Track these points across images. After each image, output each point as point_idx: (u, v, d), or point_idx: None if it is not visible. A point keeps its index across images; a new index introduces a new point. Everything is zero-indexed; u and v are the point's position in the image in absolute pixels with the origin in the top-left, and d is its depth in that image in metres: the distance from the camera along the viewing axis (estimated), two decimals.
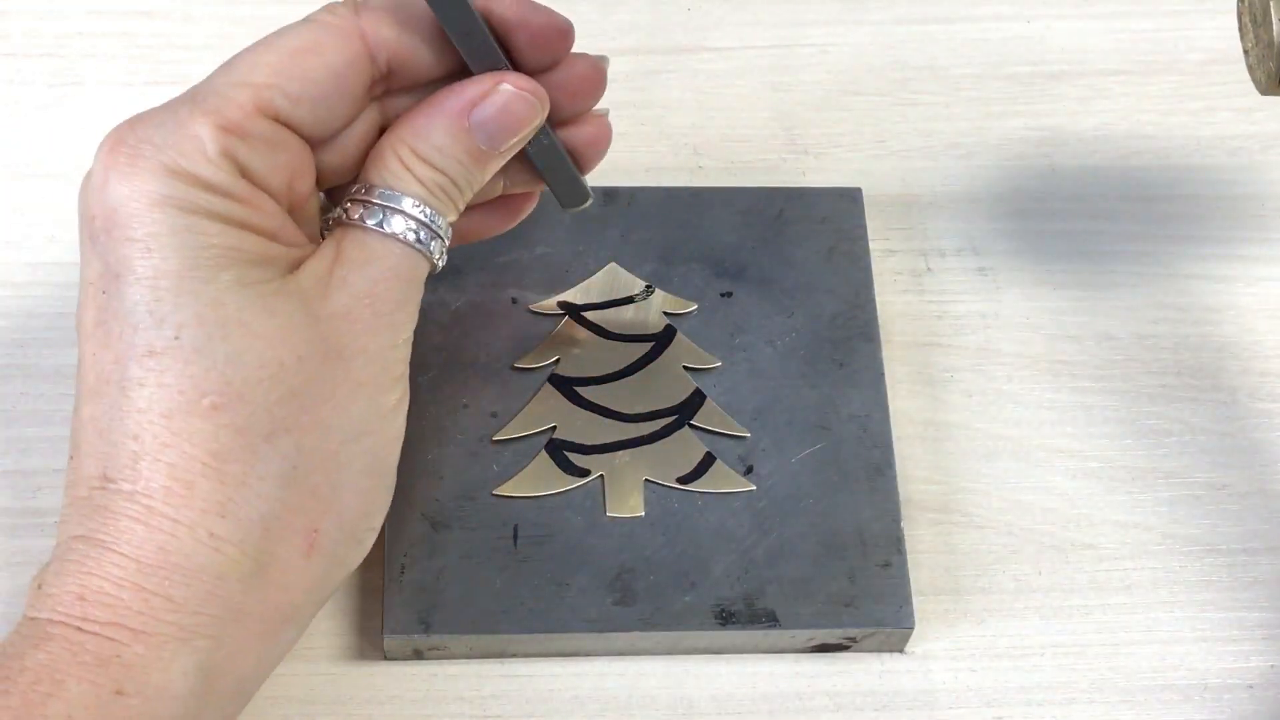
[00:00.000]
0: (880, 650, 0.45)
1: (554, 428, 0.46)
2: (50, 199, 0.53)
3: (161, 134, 0.38)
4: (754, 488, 0.46)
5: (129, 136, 0.38)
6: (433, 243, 0.40)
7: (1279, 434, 0.50)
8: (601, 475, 0.46)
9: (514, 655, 0.44)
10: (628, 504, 0.45)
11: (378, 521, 0.41)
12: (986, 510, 0.48)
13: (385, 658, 0.44)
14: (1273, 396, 0.50)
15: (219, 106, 0.38)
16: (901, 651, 0.45)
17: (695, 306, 0.49)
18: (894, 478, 0.46)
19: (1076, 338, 0.51)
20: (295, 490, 0.38)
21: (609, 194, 0.51)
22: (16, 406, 0.48)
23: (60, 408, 0.48)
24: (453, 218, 0.41)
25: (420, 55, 0.40)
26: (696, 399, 0.47)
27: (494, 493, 0.45)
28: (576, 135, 0.44)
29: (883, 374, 0.48)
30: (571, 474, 0.46)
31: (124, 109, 0.54)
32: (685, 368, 0.48)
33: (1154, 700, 0.45)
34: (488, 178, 0.42)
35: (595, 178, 0.53)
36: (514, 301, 0.48)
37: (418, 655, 0.44)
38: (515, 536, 0.44)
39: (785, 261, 0.50)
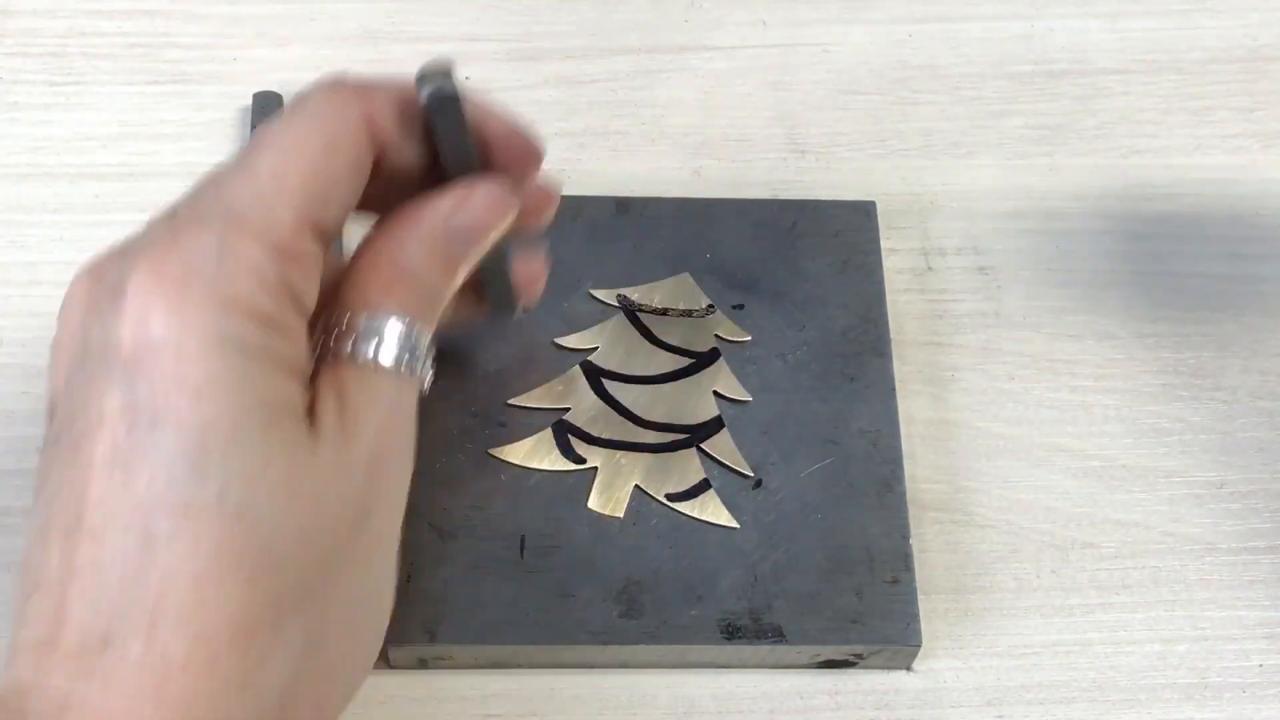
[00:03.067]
0: (886, 667, 0.45)
1: (567, 409, 0.46)
2: (50, 199, 0.53)
3: (210, 261, 0.34)
4: (738, 526, 0.45)
5: (169, 262, 0.34)
6: (420, 366, 0.38)
7: (1279, 433, 0.50)
8: (595, 467, 0.46)
9: (519, 666, 0.44)
10: (610, 502, 0.45)
11: (366, 674, 0.39)
12: (987, 509, 0.48)
13: (390, 666, 0.44)
14: (1273, 395, 0.50)
15: (267, 228, 0.35)
16: (908, 669, 0.45)
17: (750, 338, 0.49)
18: (903, 494, 0.46)
19: (1077, 336, 0.51)
20: (313, 661, 0.35)
21: (621, 204, 0.51)
22: (17, 406, 0.48)
23: None
24: (429, 335, 0.39)
25: (407, 150, 0.38)
26: (714, 425, 0.47)
27: (488, 450, 0.45)
28: (517, 268, 0.43)
29: (894, 389, 0.48)
30: (568, 458, 0.46)
31: (123, 108, 0.55)
32: (716, 393, 0.48)
33: (1155, 699, 0.45)
34: (456, 288, 0.40)
35: (600, 184, 0.54)
36: (524, 311, 0.48)
37: (423, 665, 0.44)
38: (522, 547, 0.44)
39: (798, 274, 0.50)
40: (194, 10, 0.57)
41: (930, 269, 0.53)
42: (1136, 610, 0.46)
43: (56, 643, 0.33)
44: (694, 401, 0.47)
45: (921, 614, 0.44)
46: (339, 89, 0.37)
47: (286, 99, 0.55)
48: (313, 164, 0.36)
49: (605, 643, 0.43)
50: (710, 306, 0.49)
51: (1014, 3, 0.59)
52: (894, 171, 0.55)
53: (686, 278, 0.50)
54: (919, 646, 0.44)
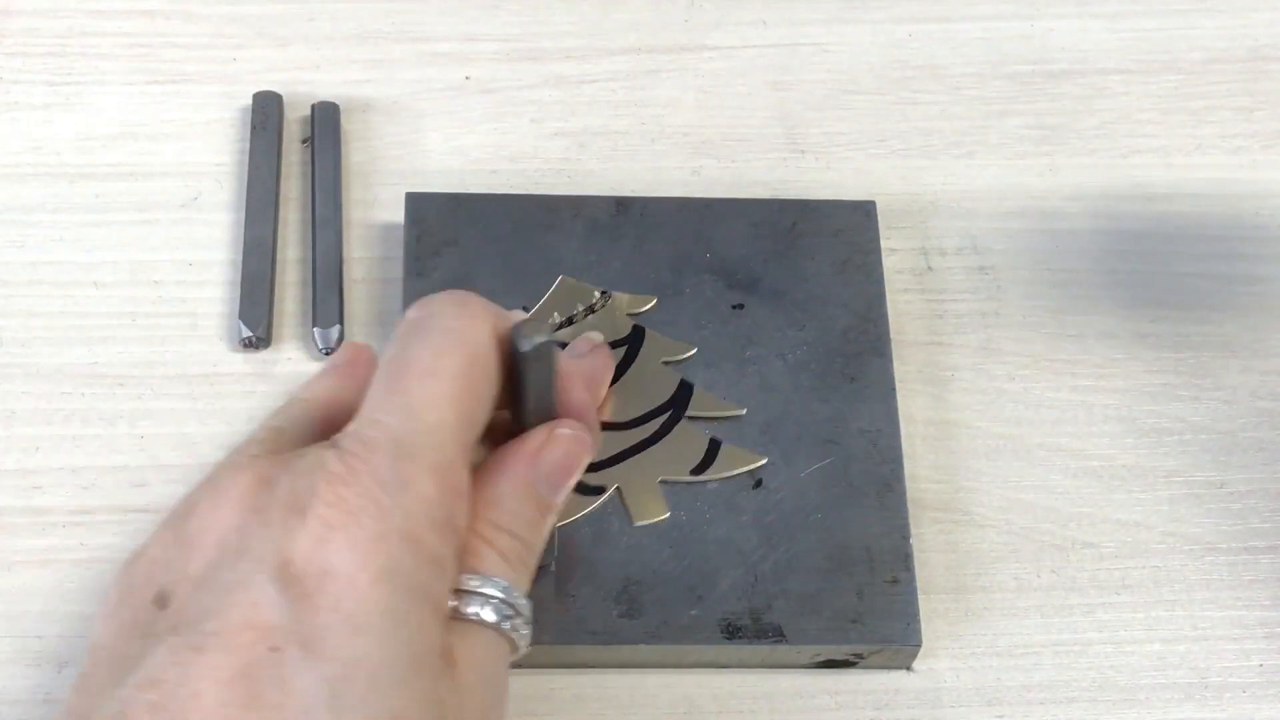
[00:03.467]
0: (886, 667, 0.45)
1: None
2: (51, 199, 0.53)
3: (390, 495, 0.33)
4: (767, 459, 0.46)
5: (353, 491, 0.33)
6: (519, 624, 0.37)
7: (1279, 433, 0.50)
8: (617, 487, 0.46)
9: (519, 666, 0.44)
10: (650, 509, 0.45)
11: None
12: (987, 509, 0.48)
13: None
14: (1273, 395, 0.50)
15: (437, 463, 0.34)
16: (908, 669, 0.45)
17: (655, 300, 0.49)
18: (903, 493, 0.46)
19: (1077, 336, 0.51)
20: None
21: (621, 204, 0.51)
22: (18, 406, 0.48)
23: (61, 406, 0.48)
24: (527, 588, 0.38)
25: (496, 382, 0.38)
26: (684, 391, 0.47)
27: None
28: None
29: (894, 389, 0.48)
30: (588, 494, 0.45)
31: (123, 108, 0.55)
32: (664, 362, 0.48)
33: (1155, 699, 0.45)
34: (548, 535, 0.39)
35: (600, 184, 0.54)
36: (525, 309, 0.48)
37: None
38: None
39: (797, 274, 0.50)
40: (194, 10, 0.57)
41: (930, 269, 0.53)
42: (1137, 610, 0.46)
43: None
44: (653, 380, 0.47)
45: (921, 614, 0.44)
46: (469, 303, 0.37)
47: (286, 99, 0.55)
48: (461, 387, 0.36)
49: (606, 643, 0.43)
50: (604, 292, 0.49)
51: (1014, 3, 0.59)
52: (894, 171, 0.55)
53: (566, 279, 0.49)
54: (919, 646, 0.44)
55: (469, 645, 0.35)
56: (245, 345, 0.49)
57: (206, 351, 0.49)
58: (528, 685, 0.44)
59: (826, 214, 0.51)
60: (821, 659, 0.44)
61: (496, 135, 0.55)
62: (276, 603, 0.32)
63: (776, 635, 0.44)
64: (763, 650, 0.44)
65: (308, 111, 0.55)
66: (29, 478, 0.47)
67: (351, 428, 0.35)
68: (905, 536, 0.45)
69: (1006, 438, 0.49)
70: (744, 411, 0.47)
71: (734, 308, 0.49)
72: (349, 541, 0.33)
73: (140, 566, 0.35)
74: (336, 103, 0.54)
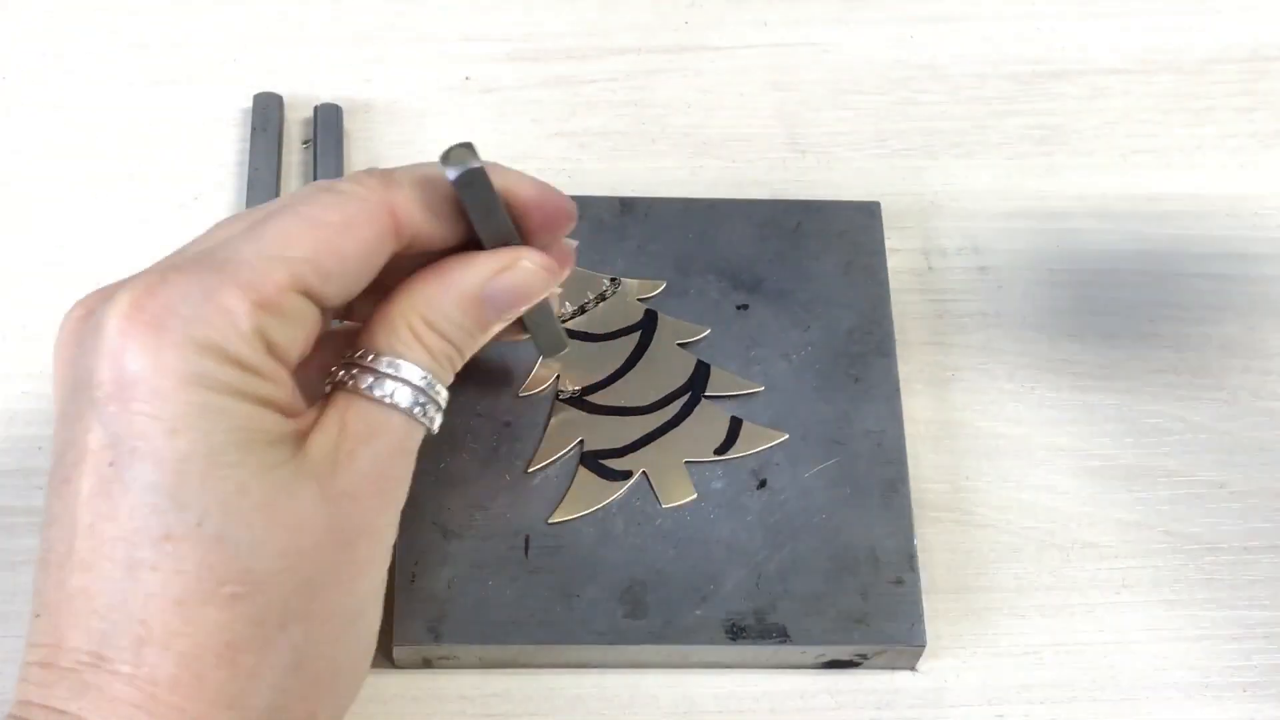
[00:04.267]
0: (890, 668, 0.45)
1: (581, 441, 0.46)
2: (51, 200, 0.53)
3: (189, 305, 0.35)
4: (787, 435, 0.46)
5: (149, 303, 0.35)
6: (432, 411, 0.39)
7: (1279, 433, 0.50)
8: (643, 471, 0.46)
9: (523, 666, 0.44)
10: (678, 491, 0.45)
11: (360, 686, 0.40)
12: (988, 508, 0.48)
13: (394, 666, 0.44)
14: (1274, 395, 0.50)
15: (253, 280, 0.36)
16: (912, 669, 0.45)
17: (664, 284, 0.49)
18: (908, 494, 0.46)
19: (1078, 336, 0.51)
20: (300, 678, 0.36)
21: (625, 204, 0.51)
22: (18, 406, 0.48)
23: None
24: (448, 383, 0.40)
25: (437, 231, 0.40)
26: (701, 371, 0.48)
27: (549, 520, 0.45)
28: None
29: (898, 389, 0.48)
30: (614, 479, 0.46)
31: (124, 108, 0.55)
32: (679, 345, 0.48)
33: (1155, 698, 0.45)
34: (484, 342, 0.41)
35: (601, 184, 0.54)
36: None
37: (426, 664, 0.44)
38: (526, 547, 0.44)
39: (802, 275, 0.50)
40: (195, 11, 0.57)
41: (931, 269, 0.53)
42: (1137, 609, 0.46)
43: (54, 664, 0.35)
44: (668, 363, 0.48)
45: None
46: (365, 176, 0.39)
47: (287, 100, 0.55)
48: (323, 236, 0.37)
49: (610, 643, 0.43)
50: (613, 279, 0.49)
51: (1014, 3, 0.59)
52: (894, 171, 0.55)
53: (574, 268, 0.49)
54: (924, 646, 0.44)
55: (368, 423, 0.38)
56: None
57: None
58: (528, 685, 0.44)
59: (830, 215, 0.51)
60: (826, 659, 0.44)
61: (497, 135, 0.55)
62: (100, 421, 0.35)
63: (781, 636, 0.43)
64: (767, 651, 0.44)
65: (309, 112, 0.55)
66: (30, 478, 0.47)
67: (193, 247, 0.38)
68: (910, 537, 0.45)
69: (1007, 437, 0.49)
70: (762, 388, 0.47)
71: (739, 308, 0.49)
72: (143, 349, 0.35)
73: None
74: (339, 105, 0.54)
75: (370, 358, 0.39)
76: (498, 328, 0.41)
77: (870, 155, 0.55)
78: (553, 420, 0.47)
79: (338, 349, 0.40)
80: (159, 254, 0.52)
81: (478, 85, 0.56)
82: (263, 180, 0.52)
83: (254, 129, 0.54)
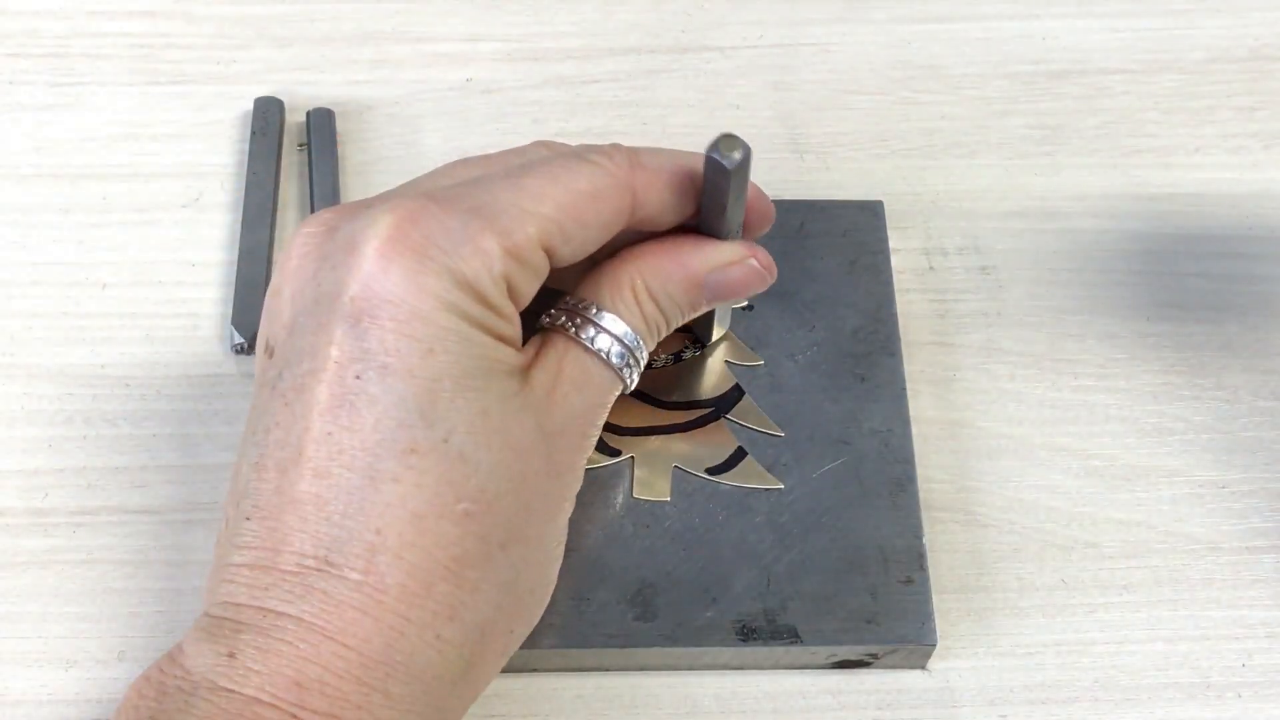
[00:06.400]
0: (901, 667, 0.45)
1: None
2: (53, 200, 0.53)
3: (450, 239, 0.37)
4: (782, 486, 0.46)
5: (412, 230, 0.37)
6: (634, 370, 0.42)
7: None
8: (632, 457, 0.46)
9: (534, 670, 0.44)
10: (654, 488, 0.46)
11: (542, 612, 0.41)
12: (989, 509, 0.48)
13: None
14: (1275, 395, 0.50)
15: (509, 229, 0.38)
16: (923, 669, 0.45)
17: (745, 304, 0.49)
18: (915, 493, 0.46)
19: (1079, 336, 0.51)
20: (511, 596, 0.38)
21: None
22: (19, 406, 0.48)
23: (63, 408, 0.48)
24: (651, 349, 0.42)
25: (669, 212, 0.42)
26: (735, 394, 0.48)
27: None
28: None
29: (904, 388, 0.48)
30: (603, 452, 0.46)
31: (124, 109, 0.55)
32: (728, 362, 0.48)
33: (1157, 698, 0.45)
34: (688, 320, 0.44)
35: None
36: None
37: None
38: None
39: (806, 275, 0.50)
40: (195, 11, 0.57)
41: (932, 269, 0.53)
42: (1138, 610, 0.46)
43: (271, 567, 0.36)
44: (710, 375, 0.48)
45: None
46: (615, 152, 0.41)
47: (288, 101, 0.55)
48: (571, 201, 0.39)
49: (621, 646, 0.43)
50: None
51: (1015, 3, 0.59)
52: (895, 171, 0.55)
53: None
54: (934, 645, 0.44)
55: (581, 369, 0.40)
56: (237, 351, 0.49)
57: (208, 352, 0.50)
58: (530, 686, 0.44)
59: (834, 214, 0.51)
60: (837, 660, 0.44)
61: (498, 136, 0.55)
62: (349, 335, 0.36)
63: (791, 637, 0.43)
64: (778, 652, 0.44)
65: (305, 116, 0.55)
66: (31, 478, 0.47)
67: (448, 186, 0.39)
68: (919, 536, 0.45)
69: (1008, 437, 0.49)
70: (783, 434, 0.47)
71: (744, 309, 0.49)
72: (404, 273, 0.36)
73: (261, 330, 0.40)
74: (332, 109, 0.54)
75: (593, 310, 0.41)
76: (705, 310, 0.44)
77: (871, 155, 0.55)
78: None
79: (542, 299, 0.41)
80: (162, 254, 0.53)
81: (479, 86, 0.56)
82: (261, 183, 0.52)
83: (253, 132, 0.54)
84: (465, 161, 0.42)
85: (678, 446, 0.46)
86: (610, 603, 0.44)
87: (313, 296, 0.38)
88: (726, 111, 0.56)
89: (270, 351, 0.39)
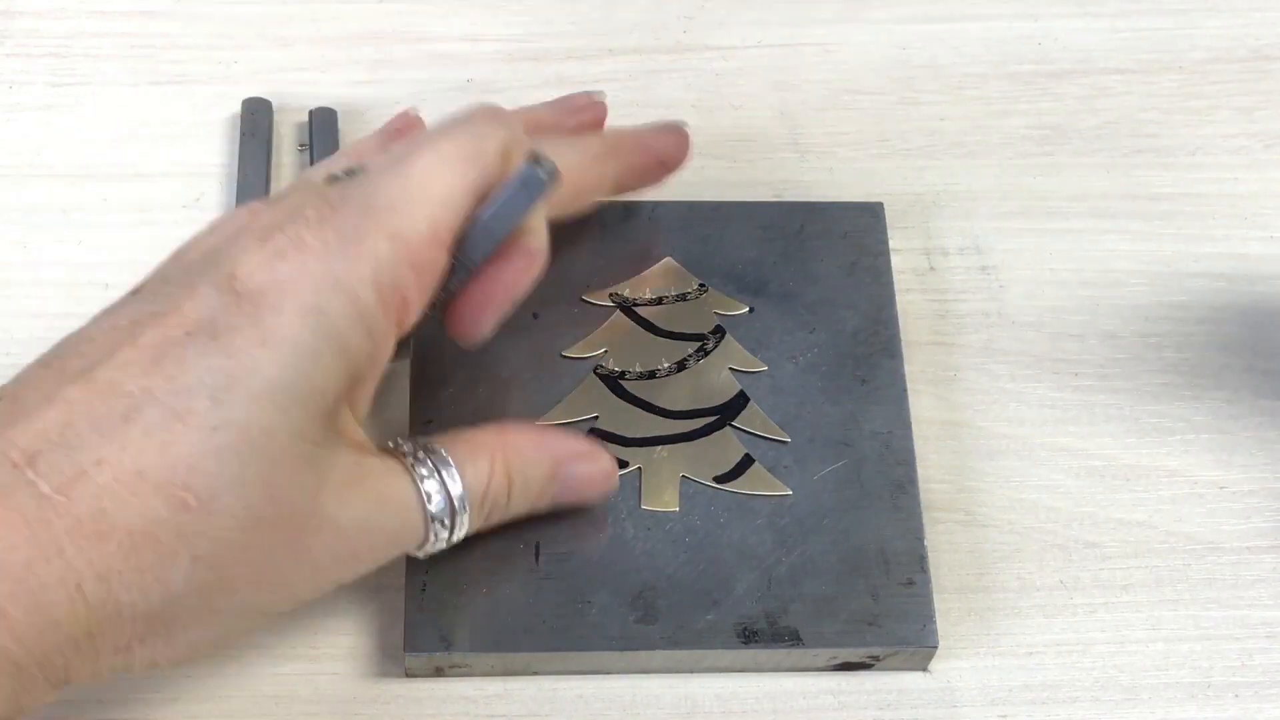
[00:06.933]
0: (903, 669, 0.45)
1: (595, 418, 0.47)
2: (53, 199, 0.53)
3: (343, 241, 0.37)
4: (790, 492, 0.46)
5: (311, 233, 0.37)
6: (440, 537, 0.41)
7: None
8: (639, 468, 0.46)
9: (535, 673, 0.44)
10: (662, 498, 0.45)
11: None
12: (990, 509, 0.48)
13: (406, 675, 0.44)
14: (1275, 395, 0.50)
15: (401, 228, 0.37)
16: (924, 670, 0.45)
17: (747, 309, 0.49)
18: (917, 495, 0.46)
19: (1079, 336, 0.51)
20: (174, 606, 0.36)
21: (629, 207, 0.51)
22: None
23: None
24: (474, 528, 0.42)
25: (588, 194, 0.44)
26: (740, 401, 0.47)
27: (537, 421, 0.46)
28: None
29: (905, 390, 0.48)
30: None
31: (125, 109, 0.55)
32: (731, 369, 0.48)
33: (1157, 698, 0.45)
34: (519, 513, 0.43)
35: None
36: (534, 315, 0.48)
37: (439, 673, 0.44)
38: (537, 554, 0.44)
39: (807, 277, 0.50)
40: (195, 11, 0.57)
41: (932, 269, 0.53)
42: (1139, 610, 0.46)
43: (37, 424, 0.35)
44: (713, 382, 0.48)
45: None
46: (501, 117, 0.41)
47: (288, 100, 0.55)
48: (462, 178, 0.39)
49: (622, 649, 0.43)
50: (702, 285, 0.49)
51: (1016, 3, 0.59)
52: (896, 171, 0.55)
53: (670, 262, 0.50)
54: (936, 647, 0.44)
55: (395, 498, 0.39)
56: None
57: None
58: (531, 687, 0.44)
59: (834, 216, 0.51)
60: (838, 662, 0.44)
61: None
62: (209, 301, 0.37)
63: (793, 639, 0.43)
64: (779, 654, 0.44)
65: (304, 115, 0.54)
66: None
67: (342, 183, 0.39)
68: (920, 538, 0.45)
69: (1009, 437, 0.49)
70: (789, 440, 0.47)
71: (745, 312, 0.49)
72: (290, 272, 0.36)
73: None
74: (335, 108, 0.54)
75: (442, 454, 0.40)
76: (549, 506, 0.43)
77: (871, 155, 0.55)
78: (578, 388, 0.47)
79: None
80: (163, 254, 0.53)
81: (480, 86, 0.56)
82: (252, 186, 0.52)
83: (243, 134, 0.54)
84: (359, 142, 0.43)
85: (685, 455, 0.46)
86: (611, 605, 0.44)
87: (201, 261, 0.38)
88: (726, 111, 0.56)
89: (136, 291, 0.39)
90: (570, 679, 0.44)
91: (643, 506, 0.45)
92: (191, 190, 0.53)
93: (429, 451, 0.40)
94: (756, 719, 0.44)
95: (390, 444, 0.41)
